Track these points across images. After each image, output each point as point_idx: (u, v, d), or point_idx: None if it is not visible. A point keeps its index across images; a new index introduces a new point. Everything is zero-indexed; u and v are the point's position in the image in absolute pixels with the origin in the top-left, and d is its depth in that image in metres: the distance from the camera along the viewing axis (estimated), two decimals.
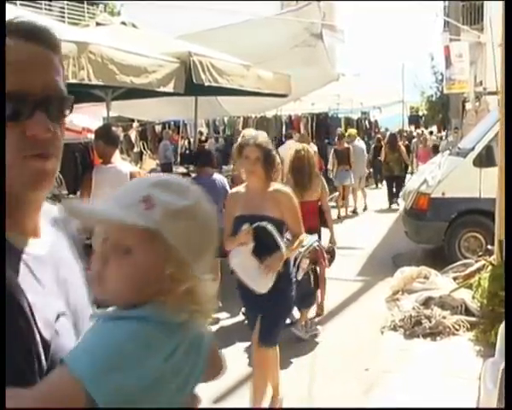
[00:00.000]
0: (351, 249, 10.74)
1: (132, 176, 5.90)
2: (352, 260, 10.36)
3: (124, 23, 9.64)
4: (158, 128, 22.67)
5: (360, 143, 17.08)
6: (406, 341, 6.43)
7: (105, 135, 5.95)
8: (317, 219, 7.12)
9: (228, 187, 7.47)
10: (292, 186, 5.88)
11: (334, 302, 8.01)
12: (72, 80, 5.30)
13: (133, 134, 23.02)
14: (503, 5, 5.88)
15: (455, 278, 7.60)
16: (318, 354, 6.31)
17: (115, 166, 5.91)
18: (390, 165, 16.57)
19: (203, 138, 22.16)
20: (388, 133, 21.79)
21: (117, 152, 6.04)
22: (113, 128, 6.30)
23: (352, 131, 18.37)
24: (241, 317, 7.23)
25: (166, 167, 17.63)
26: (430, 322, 6.53)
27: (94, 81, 5.65)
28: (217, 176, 7.78)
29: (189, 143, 21.44)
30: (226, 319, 7.38)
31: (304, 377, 5.82)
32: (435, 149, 20.60)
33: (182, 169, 15.62)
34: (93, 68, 5.58)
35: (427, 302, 6.95)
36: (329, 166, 15.43)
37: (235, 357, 5.99)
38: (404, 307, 7.00)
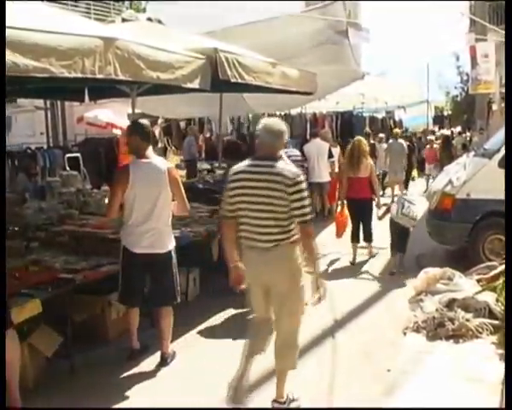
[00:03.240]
0: (374, 248, 10.69)
1: (170, 173, 6.00)
2: (374, 259, 10.33)
3: (150, 19, 9.67)
4: (182, 124, 22.71)
5: (398, 142, 17.84)
6: (429, 342, 6.39)
7: (140, 130, 5.98)
8: (368, 189, 10.14)
9: None
10: (347, 166, 10.20)
11: (356, 302, 7.99)
12: (98, 75, 5.32)
13: (157, 130, 23.08)
14: None
15: (479, 281, 7.53)
16: (339, 354, 6.29)
17: (151, 162, 5.95)
18: (443, 163, 16.74)
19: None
20: (440, 133, 22.94)
21: (150, 148, 6.06)
22: (147, 124, 6.25)
23: (397, 130, 20.17)
24: None
25: (191, 163, 17.67)
26: (453, 324, 6.48)
27: (120, 76, 5.64)
28: None
29: (210, 138, 21.44)
30: None
31: (324, 376, 5.80)
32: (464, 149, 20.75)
33: (206, 165, 15.65)
34: (119, 64, 5.57)
35: (450, 304, 6.89)
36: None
37: None
38: (427, 308, 6.95)
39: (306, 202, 4.70)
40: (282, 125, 4.97)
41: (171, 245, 6.11)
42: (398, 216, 9.33)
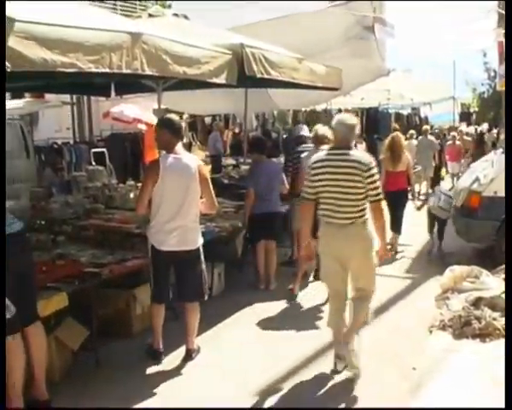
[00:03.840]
0: (400, 245, 10.64)
1: (200, 170, 5.97)
2: (400, 256, 10.28)
3: (176, 15, 9.70)
4: (207, 120, 22.76)
5: (428, 138, 18.19)
6: (455, 341, 6.32)
7: (170, 125, 5.92)
8: (405, 182, 10.60)
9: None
10: (387, 160, 10.49)
11: (382, 299, 7.94)
12: (125, 70, 5.35)
13: (183, 125, 23.15)
14: None
15: None
16: (365, 352, 6.25)
17: (182, 158, 5.89)
18: (476, 160, 16.74)
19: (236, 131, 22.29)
20: (474, 130, 23.14)
21: (180, 143, 6.03)
22: (177, 119, 6.22)
23: (426, 127, 20.37)
24: None
25: (216, 159, 17.70)
26: (480, 323, 6.40)
27: (147, 71, 5.66)
28: (271, 161, 8.91)
29: (238, 133, 21.45)
30: None
31: (348, 375, 5.78)
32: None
33: (231, 160, 15.66)
34: (146, 59, 5.59)
35: (477, 303, 6.81)
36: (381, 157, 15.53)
37: None
38: (454, 306, 6.88)
39: (378, 183, 5.54)
40: (353, 120, 5.84)
41: (198, 242, 6.09)
42: (435, 208, 10.09)
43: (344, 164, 5.46)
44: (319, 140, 7.95)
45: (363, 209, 5.49)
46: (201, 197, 6.04)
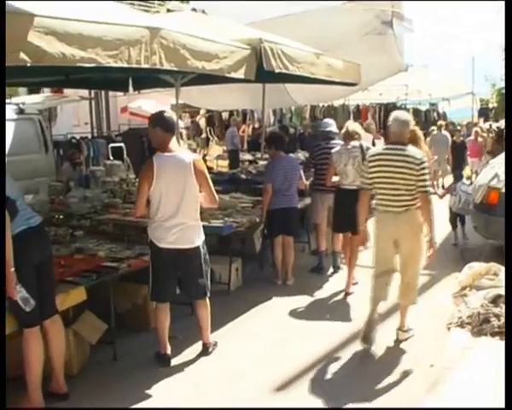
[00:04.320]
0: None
1: (195, 164, 5.75)
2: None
3: (194, 10, 9.69)
4: (225, 115, 22.77)
5: (442, 133, 18.45)
6: (473, 338, 6.27)
7: (163, 122, 5.71)
8: None
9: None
10: None
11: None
12: (144, 65, 5.34)
13: (202, 120, 23.15)
14: None
15: None
16: (383, 348, 6.24)
17: (176, 155, 5.71)
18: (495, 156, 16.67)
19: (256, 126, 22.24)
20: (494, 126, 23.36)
21: (174, 139, 5.82)
22: (171, 115, 5.96)
23: (441, 122, 20.73)
24: None
25: (233, 154, 17.71)
26: (499, 320, 6.34)
27: (166, 66, 5.64)
28: (289, 157, 8.97)
29: (259, 128, 21.40)
30: None
31: (366, 370, 5.76)
32: None
33: (248, 156, 15.64)
34: (165, 53, 5.58)
35: (496, 300, 6.74)
36: None
37: None
38: (472, 303, 6.82)
39: (427, 177, 6.08)
40: (408, 116, 6.60)
41: (199, 240, 5.91)
42: (457, 208, 10.44)
43: (399, 158, 6.06)
44: (349, 136, 8.15)
45: (416, 198, 6.06)
46: (201, 192, 5.87)
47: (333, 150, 8.27)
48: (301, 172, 8.75)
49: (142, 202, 5.78)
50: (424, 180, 6.00)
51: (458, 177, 11.65)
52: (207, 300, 6.10)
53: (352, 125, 8.52)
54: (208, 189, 5.90)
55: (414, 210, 6.09)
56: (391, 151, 6.18)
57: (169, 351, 6.01)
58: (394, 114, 6.41)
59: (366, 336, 6.19)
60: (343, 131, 8.44)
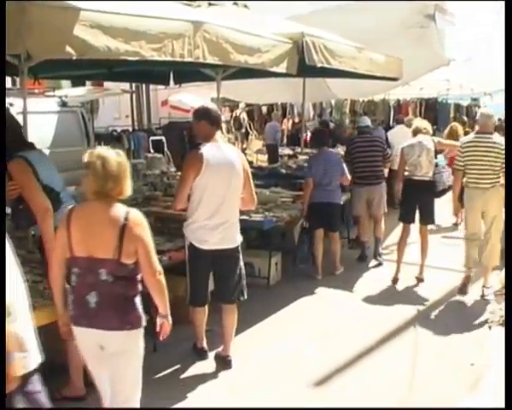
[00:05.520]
0: (458, 239, 10.46)
1: (243, 163, 5.67)
2: (459, 249, 10.09)
3: (236, 4, 9.68)
4: (264, 109, 22.75)
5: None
6: None
7: (208, 115, 5.54)
8: None
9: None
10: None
11: (439, 294, 7.86)
12: (187, 59, 5.38)
13: (243, 114, 23.13)
14: None
15: None
16: (422, 346, 6.20)
17: (223, 149, 5.56)
18: None
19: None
20: None
21: (219, 133, 5.71)
22: (216, 108, 5.81)
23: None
24: None
25: (272, 148, 17.69)
26: None
27: (208, 60, 5.67)
28: (331, 152, 9.14)
29: (299, 122, 21.34)
30: None
31: (407, 368, 5.73)
32: None
33: (288, 150, 15.61)
34: (208, 47, 5.60)
35: None
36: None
37: None
38: None
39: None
40: (491, 111, 8.24)
41: (239, 239, 5.74)
42: None
43: (487, 145, 7.54)
44: (417, 131, 8.70)
45: (499, 177, 7.42)
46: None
47: (405, 144, 8.61)
48: (344, 167, 8.84)
49: (184, 194, 5.51)
50: (503, 164, 7.05)
51: None
52: (235, 306, 5.83)
53: (419, 122, 9.35)
54: (250, 189, 5.72)
55: (498, 186, 7.42)
56: (480, 139, 7.63)
57: (205, 345, 6.01)
58: (481, 110, 8.34)
59: (462, 288, 7.72)
60: (412, 127, 9.02)
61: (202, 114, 5.60)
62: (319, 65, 7.38)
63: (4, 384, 3.49)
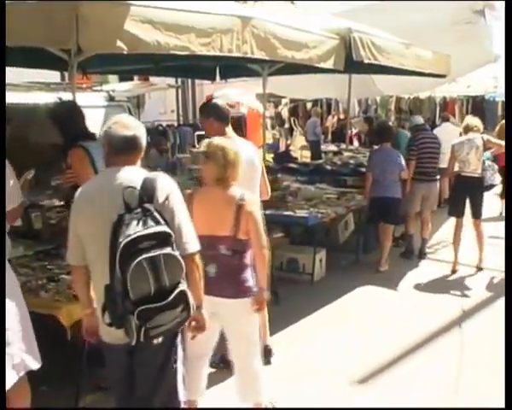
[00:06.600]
0: (498, 239, 10.30)
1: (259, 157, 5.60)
2: (499, 249, 9.96)
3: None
4: (309, 105, 22.68)
5: None
6: None
7: (217, 112, 5.36)
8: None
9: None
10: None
11: (481, 294, 7.77)
12: (235, 54, 5.41)
13: (284, 110, 23.10)
14: None
15: None
16: (465, 349, 6.13)
17: (241, 146, 5.13)
18: None
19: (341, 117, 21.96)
20: None
21: (230, 128, 5.49)
22: (223, 104, 5.59)
23: None
24: None
25: (315, 144, 17.64)
26: None
27: (256, 55, 5.70)
28: (390, 148, 9.12)
29: (339, 119, 21.25)
30: None
31: (452, 367, 5.68)
32: None
33: (332, 147, 15.53)
34: (256, 42, 5.63)
35: None
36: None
37: None
38: None
39: None
40: None
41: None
42: None
43: None
44: (469, 128, 8.73)
45: None
46: None
47: (456, 141, 8.78)
48: (403, 162, 8.95)
49: None
50: None
51: None
52: None
53: (471, 119, 9.12)
54: (265, 182, 5.64)
55: None
56: None
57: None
58: None
59: None
60: (463, 124, 9.08)
61: (210, 110, 5.43)
62: (366, 61, 7.35)
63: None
